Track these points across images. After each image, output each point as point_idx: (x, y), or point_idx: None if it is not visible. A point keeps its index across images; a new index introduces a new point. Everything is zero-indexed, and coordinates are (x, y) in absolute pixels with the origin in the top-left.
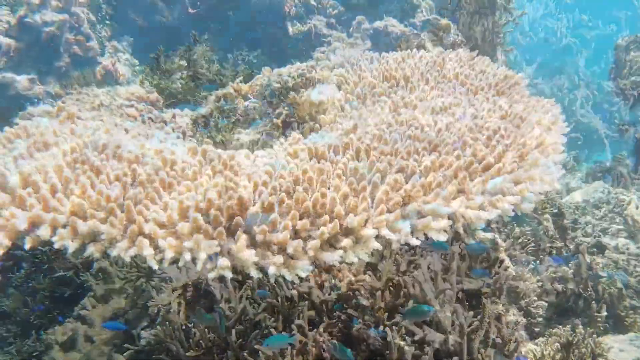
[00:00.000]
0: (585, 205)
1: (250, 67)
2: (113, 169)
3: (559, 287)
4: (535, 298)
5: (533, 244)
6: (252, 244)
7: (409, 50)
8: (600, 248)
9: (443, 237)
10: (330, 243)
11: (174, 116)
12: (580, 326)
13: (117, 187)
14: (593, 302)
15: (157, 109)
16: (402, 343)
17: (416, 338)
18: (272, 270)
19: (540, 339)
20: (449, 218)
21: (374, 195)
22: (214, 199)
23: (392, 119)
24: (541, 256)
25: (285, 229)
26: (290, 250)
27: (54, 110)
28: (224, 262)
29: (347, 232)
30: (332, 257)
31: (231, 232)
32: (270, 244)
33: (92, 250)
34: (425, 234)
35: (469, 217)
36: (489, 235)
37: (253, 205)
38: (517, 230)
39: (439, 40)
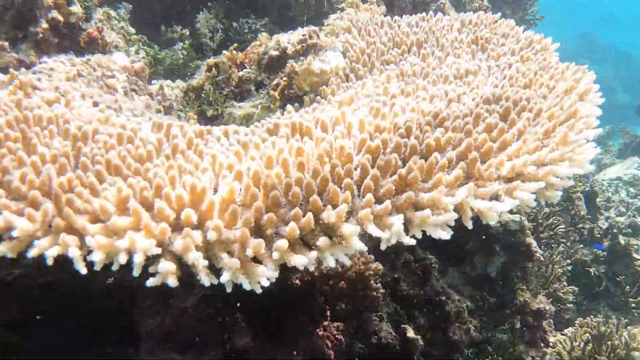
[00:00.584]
0: (618, 182)
1: (256, 36)
2: (52, 148)
3: (591, 270)
4: (565, 283)
5: (563, 225)
6: (206, 243)
7: (423, 14)
8: (635, 229)
9: (445, 235)
10: (304, 241)
11: (161, 88)
12: (614, 317)
13: (51, 170)
14: (627, 286)
15: (143, 80)
16: None
17: None
18: (225, 277)
19: (570, 329)
20: (455, 210)
21: (363, 182)
22: (163, 187)
23: (397, 89)
24: (572, 238)
25: (247, 224)
26: (249, 251)
27: (7, 78)
28: (166, 266)
29: (325, 228)
30: (303, 260)
31: (179, 228)
32: (228, 244)
33: (4, 249)
34: (423, 231)
35: (478, 208)
36: (514, 217)
37: (214, 194)
38: (545, 209)
39: (462, 5)
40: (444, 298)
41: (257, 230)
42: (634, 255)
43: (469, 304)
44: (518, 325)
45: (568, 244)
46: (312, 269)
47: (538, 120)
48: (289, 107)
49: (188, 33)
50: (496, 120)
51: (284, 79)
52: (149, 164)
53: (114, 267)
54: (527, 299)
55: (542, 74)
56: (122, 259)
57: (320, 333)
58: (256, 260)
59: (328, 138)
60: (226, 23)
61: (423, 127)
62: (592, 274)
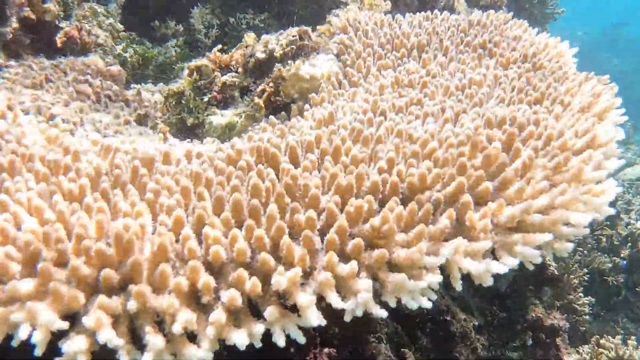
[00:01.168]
0: (638, 183)
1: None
2: None
3: (610, 279)
4: (581, 294)
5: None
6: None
7: (428, 12)
8: None
9: (426, 303)
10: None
11: (138, 93)
12: (633, 338)
13: None
14: None
15: (120, 85)
16: None
17: None
18: (146, 358)
19: (586, 348)
20: (441, 268)
21: (328, 232)
22: (83, 237)
23: (388, 104)
24: (589, 245)
25: (178, 290)
26: (176, 327)
27: None
28: (73, 345)
29: (277, 293)
30: (243, 339)
31: (100, 290)
32: (158, 312)
33: None
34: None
35: (468, 270)
36: None
37: (143, 243)
38: None
39: (475, 1)
40: (448, 317)
41: (194, 296)
42: None
43: (476, 322)
44: (530, 343)
45: (585, 252)
46: (259, 345)
47: (548, 149)
48: (271, 119)
49: (182, 29)
50: (497, 151)
51: (270, 84)
52: (75, 205)
53: (14, 343)
54: (539, 315)
55: (556, 87)
56: (23, 333)
57: None
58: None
59: (293, 172)
60: (223, 18)
61: (409, 159)
62: (611, 283)
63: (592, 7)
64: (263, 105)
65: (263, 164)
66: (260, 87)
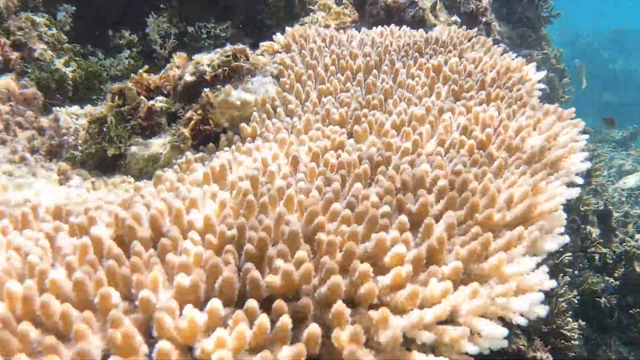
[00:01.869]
0: (638, 192)
1: (218, 43)
2: None
3: (602, 300)
4: (570, 319)
5: (570, 253)
6: None
7: (384, 27)
8: None
9: None
10: None
11: (56, 119)
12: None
13: None
14: None
15: (35, 109)
16: None
17: None
18: None
19: None
20: None
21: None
22: None
23: (306, 148)
24: (581, 264)
25: None
26: None
27: None
28: None
29: None
30: None
31: None
32: None
33: None
34: None
35: None
36: None
37: None
38: None
39: (457, 6)
40: None
41: None
42: None
43: None
44: None
45: (576, 271)
46: None
47: (470, 222)
48: (187, 155)
49: (137, 39)
50: (395, 233)
51: (198, 112)
52: None
53: None
54: (521, 346)
55: (507, 126)
56: None
57: None
58: None
59: (190, 248)
60: (182, 27)
61: (282, 246)
62: (603, 305)
63: (599, 7)
64: (189, 135)
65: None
66: (187, 115)
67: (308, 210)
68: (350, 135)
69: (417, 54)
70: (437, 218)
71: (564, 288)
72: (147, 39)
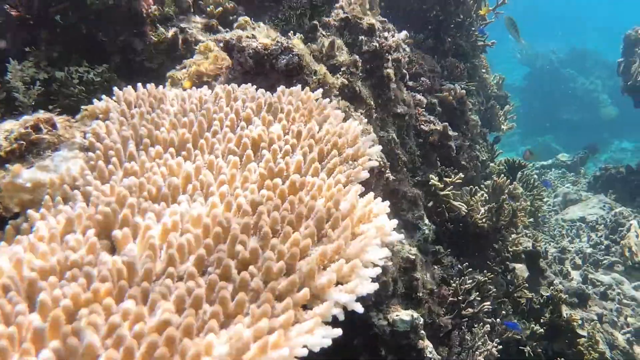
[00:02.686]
0: (581, 224)
1: (91, 90)
2: None
3: (527, 349)
4: None
5: (488, 303)
6: None
7: (205, 90)
8: (582, 297)
9: None
10: None
11: None
12: None
13: None
14: None
15: None
16: None
17: None
18: None
19: None
20: None
21: None
22: None
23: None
24: (503, 312)
25: None
26: None
27: None
28: None
29: None
30: None
31: None
32: None
33: None
34: None
35: None
36: (404, 315)
37: None
38: (468, 281)
39: (359, 45)
40: None
41: None
42: (578, 331)
43: None
44: None
45: (497, 320)
46: None
47: None
48: None
49: None
50: None
51: None
52: None
53: None
54: None
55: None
56: None
57: None
58: None
59: None
60: (51, 72)
61: None
62: (527, 354)
63: (561, 27)
64: None
65: None
66: None
67: None
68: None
69: (244, 122)
70: None
71: (482, 339)
72: (7, 86)
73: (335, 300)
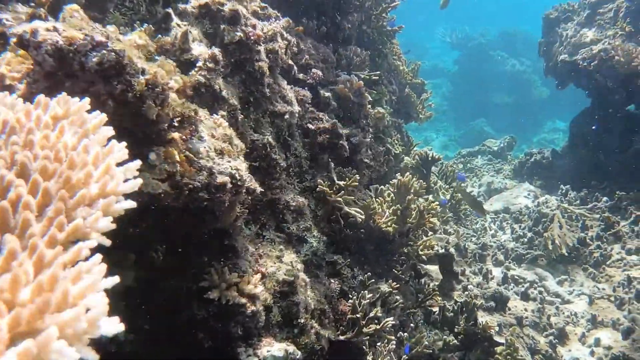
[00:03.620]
0: (505, 215)
1: None
2: None
3: None
4: None
5: (391, 318)
6: None
7: None
8: (500, 301)
9: None
10: None
11: None
12: None
13: None
14: None
15: None
16: None
17: None
18: None
19: None
20: None
21: None
22: None
23: None
24: (411, 325)
25: None
26: None
27: None
28: None
29: None
30: None
31: None
32: None
33: None
34: None
35: None
36: (277, 351)
37: None
38: (368, 296)
39: (220, 36)
40: None
41: None
42: (495, 338)
43: None
44: None
45: (405, 334)
46: None
47: None
48: None
49: None
50: None
51: None
52: None
53: None
54: None
55: None
56: None
57: None
58: None
59: None
60: None
61: None
62: None
63: (490, 9)
64: None
65: None
66: None
67: None
68: None
69: None
70: None
71: (386, 358)
72: None
73: None
